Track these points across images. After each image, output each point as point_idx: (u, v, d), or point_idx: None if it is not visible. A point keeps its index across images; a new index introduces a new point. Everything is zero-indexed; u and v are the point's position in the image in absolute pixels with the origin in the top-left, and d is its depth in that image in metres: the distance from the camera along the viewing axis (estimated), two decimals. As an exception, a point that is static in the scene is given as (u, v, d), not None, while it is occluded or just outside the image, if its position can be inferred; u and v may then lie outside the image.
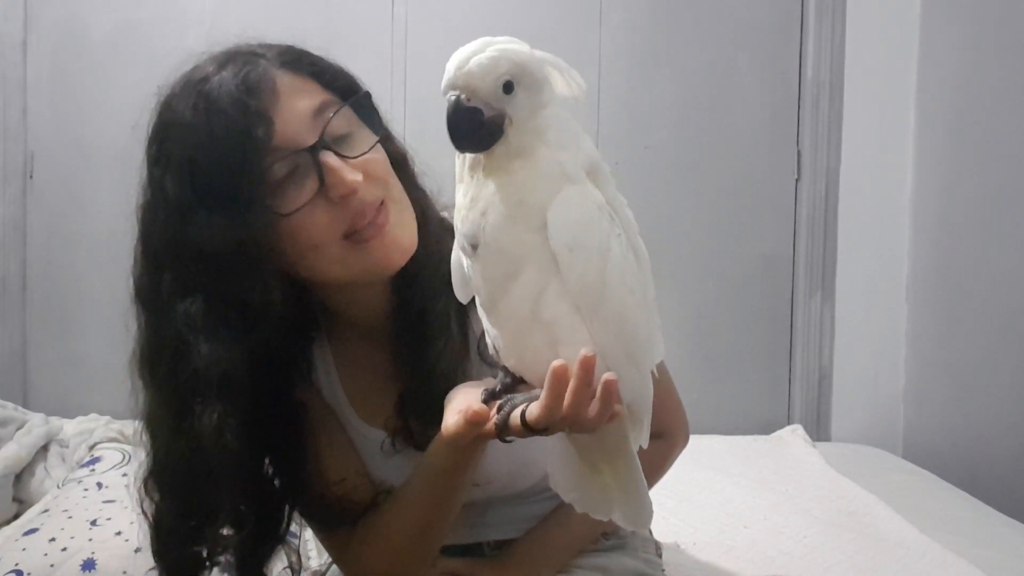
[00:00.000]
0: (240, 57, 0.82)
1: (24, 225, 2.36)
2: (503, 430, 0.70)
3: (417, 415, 0.89)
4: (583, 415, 0.65)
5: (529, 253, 0.67)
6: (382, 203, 0.83)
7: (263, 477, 0.91)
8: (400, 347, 0.90)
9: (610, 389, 0.64)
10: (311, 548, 1.48)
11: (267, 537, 0.93)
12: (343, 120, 0.82)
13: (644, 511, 0.77)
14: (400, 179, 0.88)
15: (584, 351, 0.63)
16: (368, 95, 0.87)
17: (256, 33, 0.88)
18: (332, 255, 0.82)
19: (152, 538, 0.87)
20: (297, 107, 0.80)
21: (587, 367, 0.63)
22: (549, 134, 0.67)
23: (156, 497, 0.86)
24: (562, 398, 0.64)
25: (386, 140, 0.89)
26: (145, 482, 0.86)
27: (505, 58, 0.65)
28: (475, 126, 0.66)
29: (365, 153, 0.82)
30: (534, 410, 0.66)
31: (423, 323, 0.88)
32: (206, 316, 0.79)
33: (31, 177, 2.36)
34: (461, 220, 0.69)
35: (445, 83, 0.67)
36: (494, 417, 0.71)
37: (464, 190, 0.69)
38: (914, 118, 2.41)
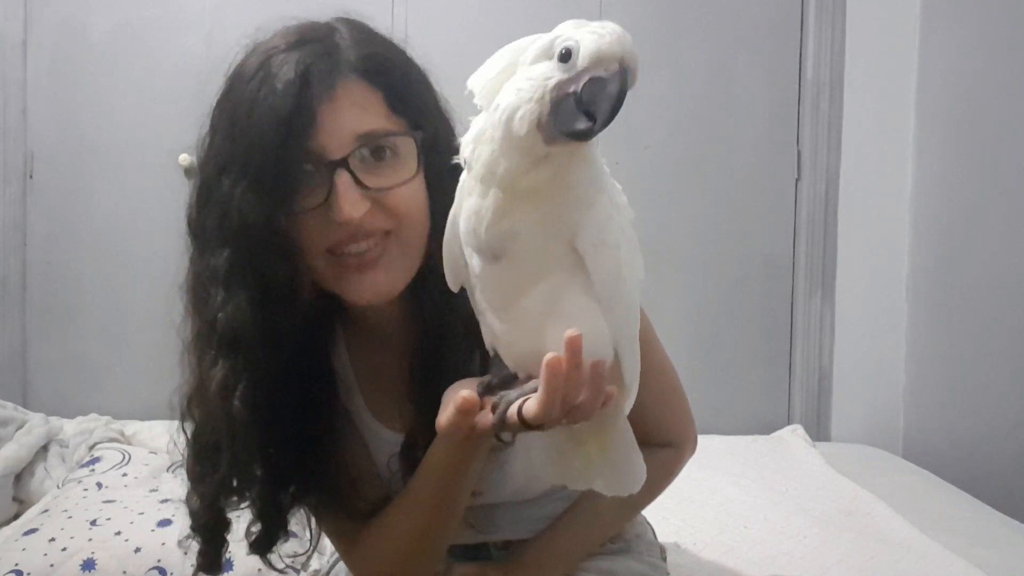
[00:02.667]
0: (321, 43, 0.81)
1: (24, 225, 2.36)
2: (500, 428, 0.69)
3: (430, 430, 0.88)
4: (576, 401, 0.64)
5: (555, 261, 0.66)
6: (386, 235, 0.82)
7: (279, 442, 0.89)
8: (418, 358, 0.89)
9: (598, 372, 0.64)
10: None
11: (286, 487, 0.91)
12: (388, 145, 0.81)
13: (630, 477, 0.76)
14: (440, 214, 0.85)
15: (568, 332, 0.62)
16: (438, 128, 0.84)
17: (353, 15, 0.87)
18: (314, 264, 0.82)
19: (187, 456, 0.87)
20: (345, 119, 0.79)
21: (575, 347, 0.62)
22: (595, 149, 0.67)
23: (196, 416, 0.86)
24: (560, 390, 0.63)
25: (439, 176, 0.84)
26: (188, 400, 0.87)
27: None
28: (617, 112, 0.62)
29: (384, 189, 0.80)
30: (532, 407, 0.65)
31: (436, 361, 0.86)
32: (227, 273, 0.79)
33: (31, 177, 2.36)
34: (484, 228, 0.66)
35: (618, 54, 0.61)
36: (489, 416, 0.70)
37: (493, 202, 0.65)
38: (914, 118, 2.41)
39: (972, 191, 2.14)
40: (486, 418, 0.70)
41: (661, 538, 1.20)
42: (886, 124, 2.44)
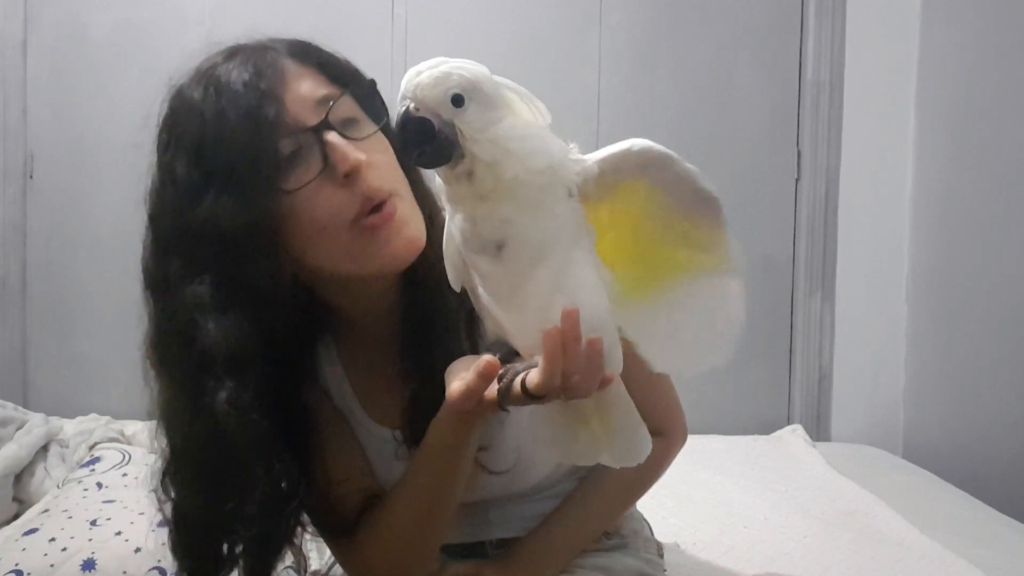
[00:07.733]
0: (247, 48, 0.85)
1: (24, 225, 2.36)
2: (504, 398, 0.72)
3: (428, 418, 0.88)
4: (573, 378, 0.67)
5: (554, 233, 0.69)
6: (389, 196, 0.84)
7: (275, 466, 0.89)
8: (409, 348, 0.90)
9: (595, 349, 0.66)
10: (311, 549, 1.48)
11: (275, 537, 0.91)
12: (348, 109, 0.84)
13: (636, 448, 0.78)
14: (406, 176, 0.88)
15: (565, 307, 0.65)
16: (373, 83, 0.88)
17: (256, 33, 0.89)
18: (340, 243, 0.82)
19: (172, 538, 0.87)
20: (304, 92, 0.82)
21: (571, 320, 0.65)
22: (512, 145, 0.68)
23: (174, 493, 0.86)
24: (559, 361, 0.66)
25: (390, 134, 0.89)
26: (161, 482, 0.86)
27: (456, 73, 0.68)
28: (425, 136, 0.68)
29: (369, 136, 0.84)
30: (534, 377, 0.68)
31: (433, 324, 0.88)
32: (215, 296, 0.80)
33: (31, 177, 2.36)
34: (480, 226, 0.70)
35: (399, 96, 0.69)
36: (494, 388, 0.72)
37: (467, 215, 0.70)
38: (914, 118, 2.41)
39: (972, 191, 2.14)
40: (492, 390, 0.72)
41: (661, 538, 1.20)
42: (886, 124, 2.44)
